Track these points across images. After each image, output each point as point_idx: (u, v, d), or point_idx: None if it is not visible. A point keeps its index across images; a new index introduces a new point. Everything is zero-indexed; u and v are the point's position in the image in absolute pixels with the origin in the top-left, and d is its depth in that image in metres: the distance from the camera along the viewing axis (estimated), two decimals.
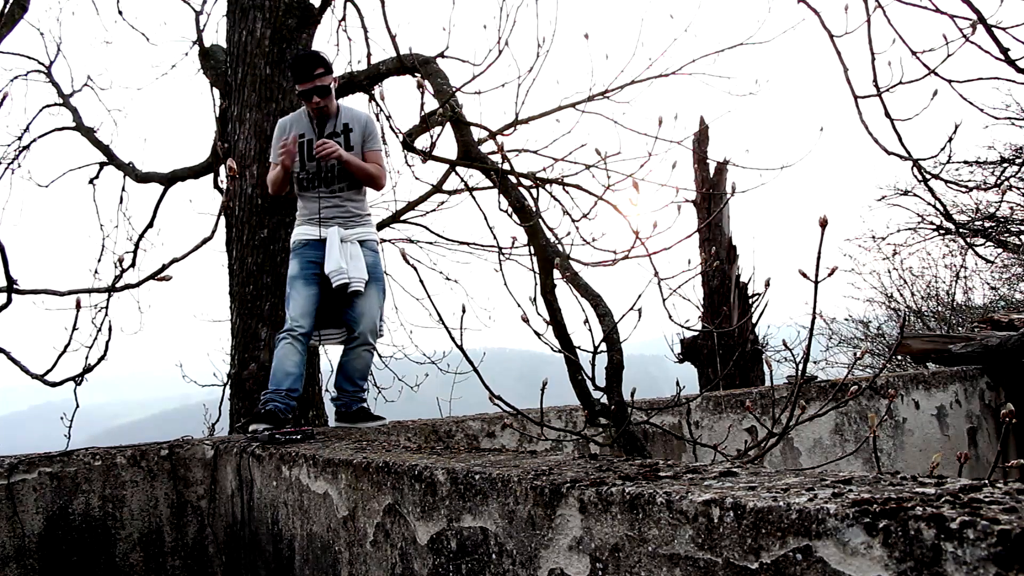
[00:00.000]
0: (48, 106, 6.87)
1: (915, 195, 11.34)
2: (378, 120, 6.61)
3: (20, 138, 6.76)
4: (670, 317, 2.96)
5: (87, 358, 3.26)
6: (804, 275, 1.81)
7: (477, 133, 4.26)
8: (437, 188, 6.35)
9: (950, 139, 2.65)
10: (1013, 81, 2.52)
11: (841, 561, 0.90)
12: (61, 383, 3.26)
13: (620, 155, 3.88)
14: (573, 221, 3.77)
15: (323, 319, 3.54)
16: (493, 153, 4.58)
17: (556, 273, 3.43)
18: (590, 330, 2.97)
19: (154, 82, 7.66)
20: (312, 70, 3.41)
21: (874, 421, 1.77)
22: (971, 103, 2.68)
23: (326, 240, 3.42)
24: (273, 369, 3.32)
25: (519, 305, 2.57)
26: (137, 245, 6.54)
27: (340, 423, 3.58)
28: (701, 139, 7.72)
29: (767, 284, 2.73)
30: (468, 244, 6.81)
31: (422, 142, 4.48)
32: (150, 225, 6.54)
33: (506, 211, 3.60)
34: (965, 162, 10.79)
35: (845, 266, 13.40)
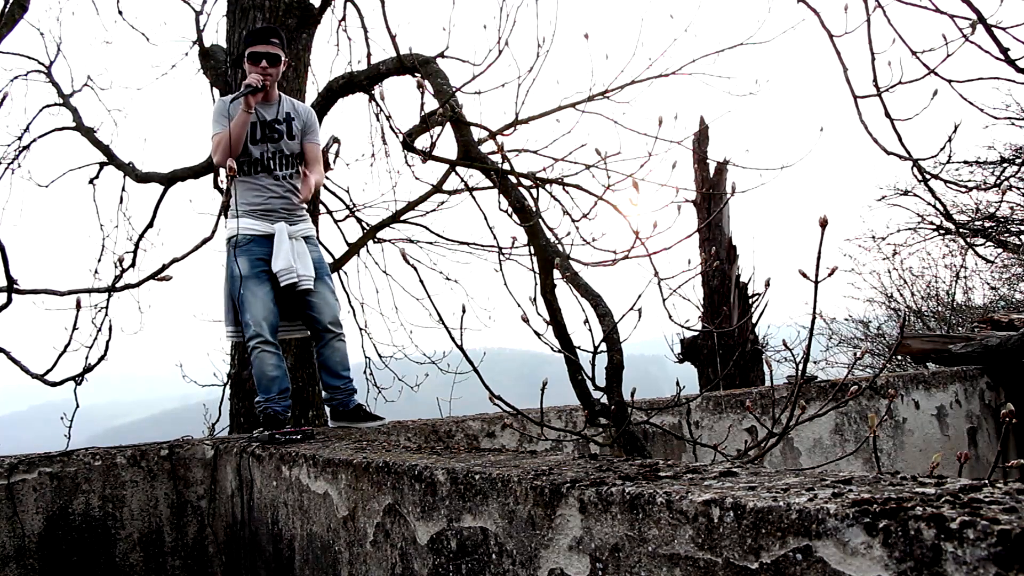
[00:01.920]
0: (48, 106, 6.87)
1: (915, 195, 11.33)
2: (378, 120, 6.64)
3: (20, 138, 6.76)
4: (670, 317, 2.97)
5: (87, 358, 3.26)
6: (804, 275, 1.81)
7: (477, 133, 4.26)
8: (437, 188, 6.34)
9: (950, 139, 2.65)
10: (1013, 81, 2.52)
11: (841, 561, 0.90)
12: (61, 383, 3.25)
13: (620, 155, 3.87)
14: (573, 221, 3.77)
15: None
16: (493, 153, 4.58)
17: (556, 273, 3.43)
18: (590, 330, 2.97)
19: (154, 82, 7.66)
20: (270, 36, 3.41)
21: (874, 421, 1.77)
22: (971, 103, 2.67)
23: (273, 236, 3.33)
24: (256, 380, 3.28)
25: (519, 305, 2.57)
26: (137, 245, 6.54)
27: (339, 423, 3.58)
28: (701, 139, 7.72)
29: (767, 284, 2.73)
30: (468, 244, 6.80)
31: (422, 142, 4.47)
32: (150, 225, 6.54)
33: (506, 211, 3.60)
34: (965, 162, 10.79)
35: (845, 266, 13.41)
